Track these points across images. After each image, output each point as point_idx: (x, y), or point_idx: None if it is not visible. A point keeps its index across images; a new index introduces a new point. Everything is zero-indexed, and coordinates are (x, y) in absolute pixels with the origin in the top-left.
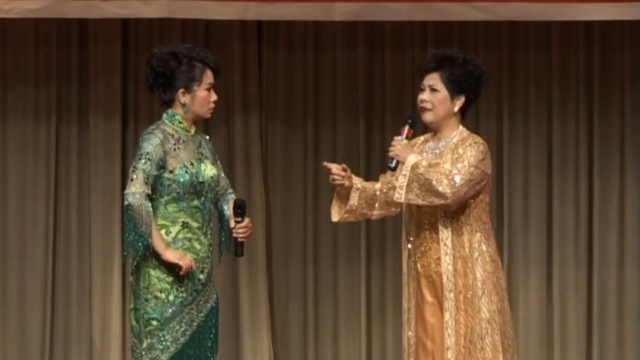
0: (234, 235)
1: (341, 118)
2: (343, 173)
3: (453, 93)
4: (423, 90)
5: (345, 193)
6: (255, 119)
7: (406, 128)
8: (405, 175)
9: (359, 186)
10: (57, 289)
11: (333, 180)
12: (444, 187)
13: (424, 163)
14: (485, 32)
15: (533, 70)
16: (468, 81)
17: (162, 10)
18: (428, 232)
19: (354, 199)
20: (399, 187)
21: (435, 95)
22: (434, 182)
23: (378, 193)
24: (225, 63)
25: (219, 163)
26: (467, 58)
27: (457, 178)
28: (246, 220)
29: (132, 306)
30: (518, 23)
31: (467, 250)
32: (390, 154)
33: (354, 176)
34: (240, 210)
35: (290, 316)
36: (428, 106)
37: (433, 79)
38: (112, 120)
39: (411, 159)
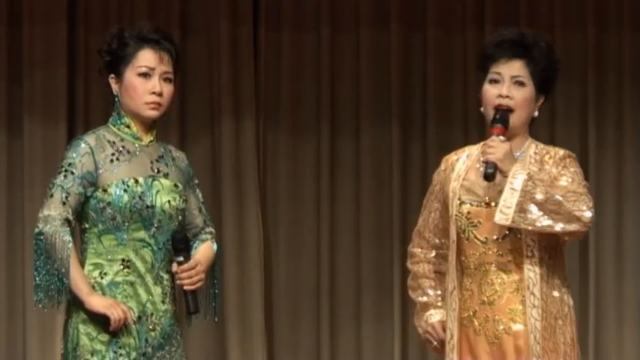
0: (178, 282)
1: (367, 122)
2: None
3: (539, 91)
4: (496, 81)
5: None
6: (249, 125)
7: (500, 126)
8: (513, 189)
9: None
10: None
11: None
12: (581, 209)
13: (538, 176)
14: (564, 6)
15: (629, 58)
16: (552, 77)
17: None
18: (496, 274)
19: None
20: (503, 207)
21: (520, 91)
22: (566, 203)
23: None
24: (207, 49)
25: (197, 190)
26: (550, 45)
27: (589, 197)
28: (194, 259)
29: None
30: None
31: (558, 303)
32: (491, 157)
33: (437, 312)
34: (181, 245)
35: None
36: (511, 104)
37: (518, 69)
38: (54, 125)
39: (520, 169)
